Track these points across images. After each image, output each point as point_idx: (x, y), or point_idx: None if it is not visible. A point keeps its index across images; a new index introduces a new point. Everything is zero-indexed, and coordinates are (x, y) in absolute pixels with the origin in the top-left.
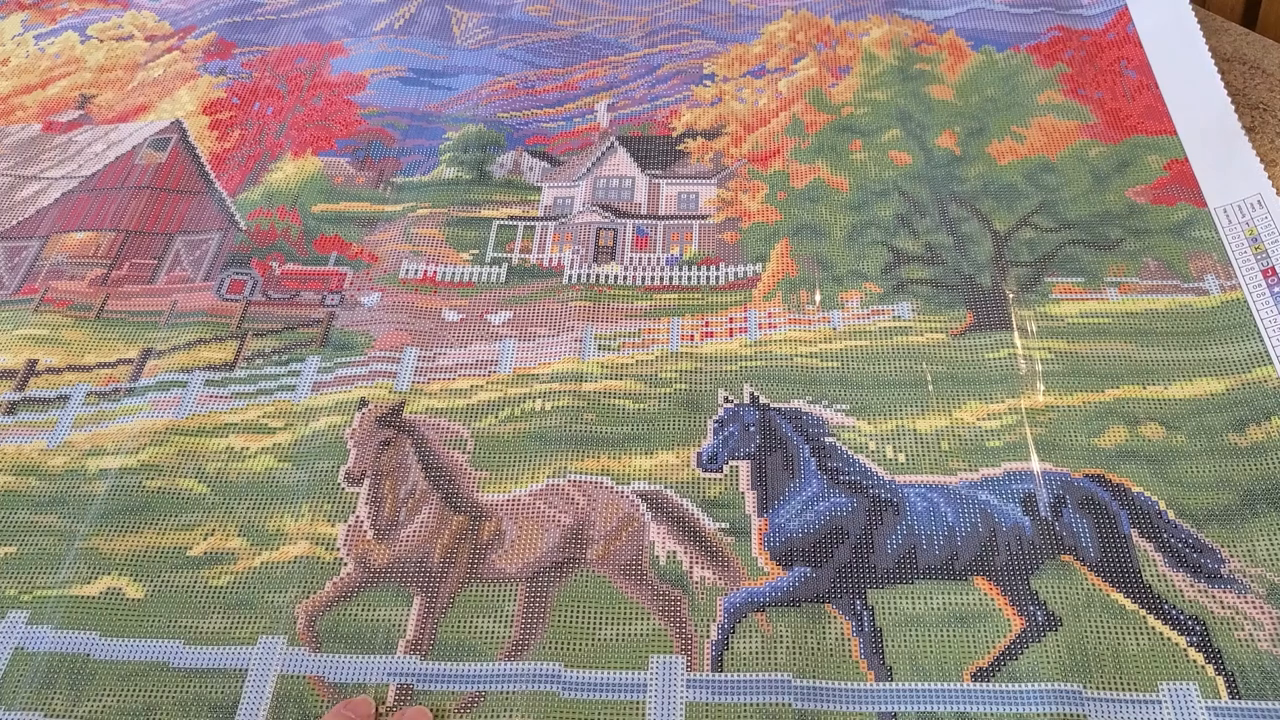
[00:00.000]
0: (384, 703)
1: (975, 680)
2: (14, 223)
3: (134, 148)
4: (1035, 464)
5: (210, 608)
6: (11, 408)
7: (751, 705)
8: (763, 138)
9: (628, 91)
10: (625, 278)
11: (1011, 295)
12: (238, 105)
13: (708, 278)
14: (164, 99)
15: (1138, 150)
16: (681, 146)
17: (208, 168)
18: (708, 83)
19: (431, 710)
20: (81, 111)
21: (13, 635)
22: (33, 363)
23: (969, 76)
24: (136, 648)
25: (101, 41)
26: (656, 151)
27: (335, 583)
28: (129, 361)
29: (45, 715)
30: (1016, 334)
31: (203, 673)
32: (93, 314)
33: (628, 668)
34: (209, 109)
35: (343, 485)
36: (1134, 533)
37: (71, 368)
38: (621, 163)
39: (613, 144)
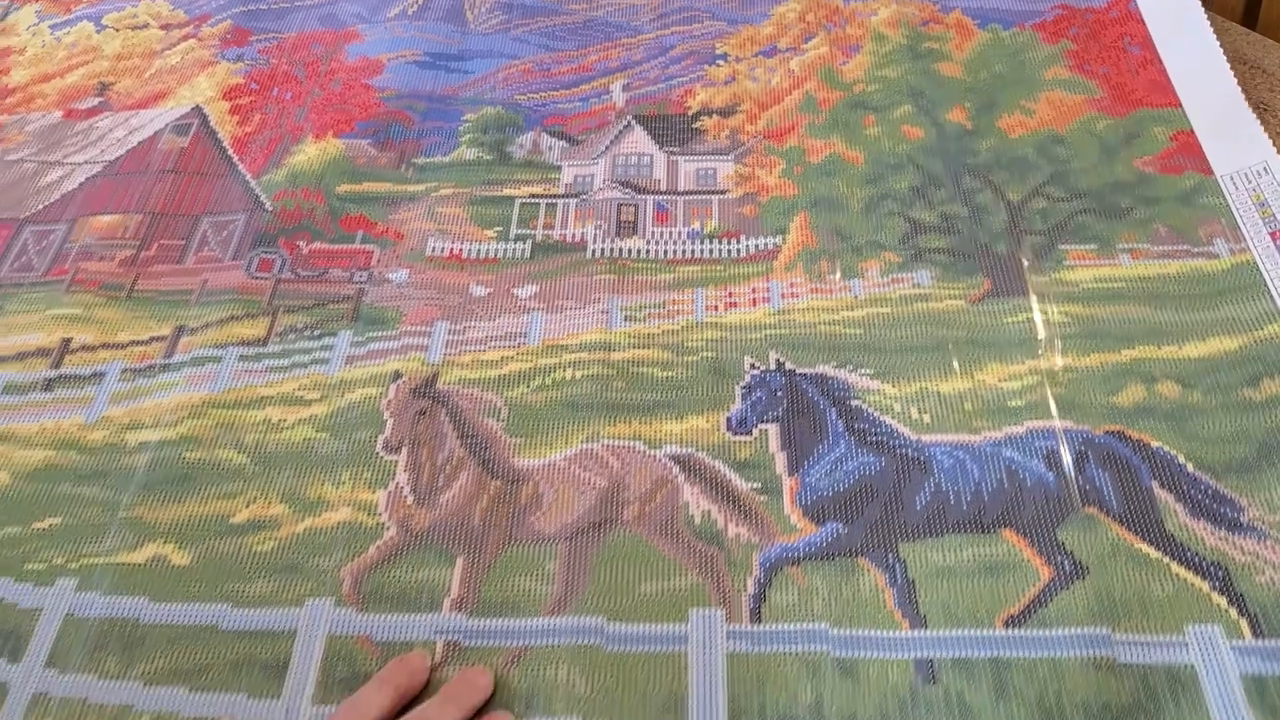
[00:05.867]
0: (435, 658)
1: (1007, 627)
2: (40, 207)
3: (156, 133)
4: (1057, 422)
5: (256, 572)
6: (48, 384)
7: (791, 654)
8: (777, 114)
9: (642, 72)
10: (648, 251)
11: (1027, 262)
12: (256, 90)
13: (729, 250)
14: (183, 85)
15: (1144, 123)
16: (698, 124)
17: (230, 151)
18: (720, 62)
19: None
20: (101, 99)
21: (63, 601)
22: (67, 341)
23: (977, 54)
24: (185, 611)
25: (117, 31)
26: (673, 129)
27: (379, 546)
28: (162, 339)
29: (99, 677)
30: (1034, 299)
31: (252, 634)
32: (124, 293)
33: (669, 620)
34: (229, 94)
35: (380, 454)
36: (1155, 485)
37: (106, 345)
38: (639, 140)
39: (629, 123)
